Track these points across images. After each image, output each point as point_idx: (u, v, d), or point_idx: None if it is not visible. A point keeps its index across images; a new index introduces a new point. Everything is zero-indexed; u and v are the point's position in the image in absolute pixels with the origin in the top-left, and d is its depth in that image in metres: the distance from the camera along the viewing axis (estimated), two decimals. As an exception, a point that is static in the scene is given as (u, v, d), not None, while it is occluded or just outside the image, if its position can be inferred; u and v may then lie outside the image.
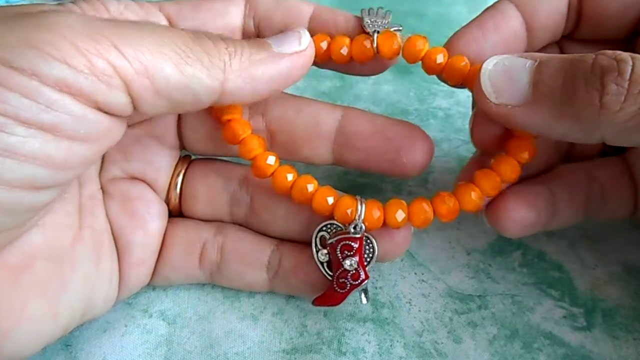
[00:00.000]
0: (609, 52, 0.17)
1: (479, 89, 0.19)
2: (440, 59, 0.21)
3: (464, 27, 0.22)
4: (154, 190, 0.24)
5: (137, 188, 0.23)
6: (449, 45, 0.22)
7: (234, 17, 0.22)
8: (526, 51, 0.22)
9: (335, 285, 0.21)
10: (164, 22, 0.22)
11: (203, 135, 0.24)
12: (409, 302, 0.24)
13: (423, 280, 0.25)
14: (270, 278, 0.23)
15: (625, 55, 0.16)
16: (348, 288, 0.21)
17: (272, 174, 0.22)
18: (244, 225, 0.24)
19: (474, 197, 0.21)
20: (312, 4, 0.23)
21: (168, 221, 0.24)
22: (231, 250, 0.23)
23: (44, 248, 0.19)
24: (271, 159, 0.22)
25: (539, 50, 0.23)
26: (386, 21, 0.22)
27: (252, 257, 0.23)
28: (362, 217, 0.21)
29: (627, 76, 0.16)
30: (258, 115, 0.23)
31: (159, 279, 0.24)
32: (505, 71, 0.18)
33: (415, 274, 0.25)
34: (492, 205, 0.22)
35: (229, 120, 0.22)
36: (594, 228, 0.26)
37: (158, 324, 0.24)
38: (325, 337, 0.23)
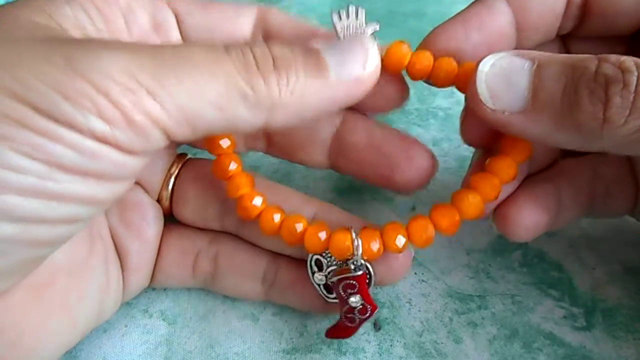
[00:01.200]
0: (613, 57, 0.16)
1: (474, 93, 0.18)
2: (426, 62, 0.20)
3: (446, 21, 0.20)
4: (148, 191, 0.23)
5: (132, 193, 0.23)
6: (427, 41, 0.20)
7: (244, 26, 0.22)
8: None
9: (344, 320, 0.21)
10: (172, 20, 0.21)
11: None
12: (409, 302, 0.24)
13: (423, 280, 0.25)
14: (265, 290, 0.23)
15: (630, 63, 0.16)
16: (357, 322, 0.21)
17: (258, 216, 0.21)
18: (235, 234, 0.24)
19: (473, 203, 0.20)
20: (324, 28, 0.21)
21: (164, 226, 0.24)
22: (226, 261, 0.23)
23: (65, 263, 0.19)
24: (258, 200, 0.21)
25: (537, 47, 0.21)
26: (359, 22, 0.20)
27: (247, 269, 0.23)
28: (360, 251, 0.20)
29: (633, 88, 0.15)
30: None
31: (156, 283, 0.24)
32: (502, 74, 0.17)
33: (415, 274, 0.25)
34: (500, 210, 0.21)
35: (220, 155, 0.21)
36: (594, 228, 0.26)
37: (158, 324, 0.24)
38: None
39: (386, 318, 0.23)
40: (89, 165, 0.15)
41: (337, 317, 0.21)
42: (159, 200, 0.24)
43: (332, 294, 0.21)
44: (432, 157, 0.22)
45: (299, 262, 0.22)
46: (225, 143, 0.22)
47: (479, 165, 0.21)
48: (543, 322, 0.23)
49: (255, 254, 0.23)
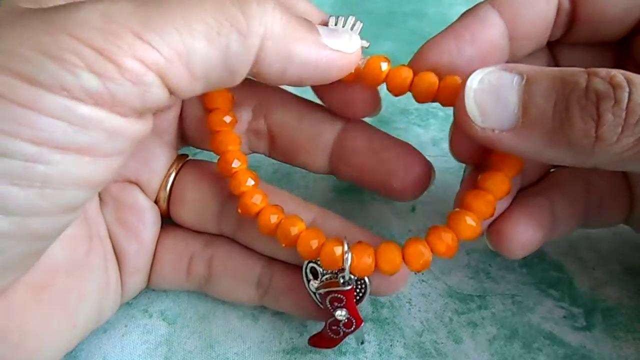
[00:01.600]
0: (603, 72, 0.16)
1: (462, 110, 0.17)
2: (405, 74, 0.19)
3: (438, 35, 0.20)
4: (146, 192, 0.23)
5: (130, 194, 0.23)
6: (418, 56, 0.20)
7: None
8: (508, 62, 0.20)
9: (328, 331, 0.21)
10: None
11: (204, 130, 0.23)
12: (409, 302, 0.24)
13: (423, 280, 0.25)
14: (260, 295, 0.23)
15: (620, 78, 0.15)
16: (341, 335, 0.21)
17: (257, 213, 0.21)
18: (232, 237, 0.23)
19: (470, 223, 0.19)
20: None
21: (161, 228, 0.24)
22: (220, 265, 0.23)
23: (64, 263, 0.19)
24: (257, 198, 0.21)
25: (526, 57, 0.21)
26: (354, 32, 0.20)
27: (241, 273, 0.23)
28: (349, 265, 0.19)
29: (624, 105, 0.15)
30: (260, 117, 0.23)
31: (153, 285, 0.24)
32: (491, 91, 0.17)
33: (415, 273, 0.25)
34: (495, 227, 0.21)
35: (225, 152, 0.21)
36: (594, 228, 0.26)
37: (158, 324, 0.24)
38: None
39: (386, 318, 0.24)
40: (81, 138, 0.14)
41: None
42: (156, 201, 0.23)
43: None
44: (429, 165, 0.22)
45: (294, 268, 0.22)
46: (227, 119, 0.22)
47: (471, 182, 0.20)
48: (543, 322, 0.23)
49: (250, 259, 0.23)
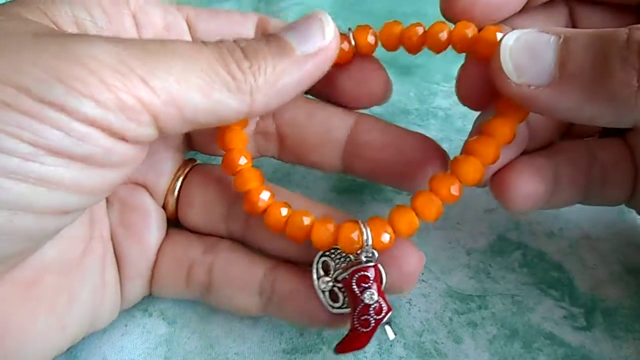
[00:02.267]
0: None
1: (497, 66, 0.17)
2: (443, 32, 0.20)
3: None
4: (154, 195, 0.23)
5: (137, 196, 0.23)
6: None
7: (249, 30, 0.22)
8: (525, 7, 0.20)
9: (357, 325, 0.19)
10: (183, 24, 0.22)
11: (212, 133, 0.23)
12: (409, 302, 0.24)
13: (423, 280, 0.25)
14: (264, 303, 0.22)
15: None
16: (373, 325, 0.19)
17: (265, 210, 0.20)
18: (241, 240, 0.23)
19: (472, 168, 0.19)
20: None
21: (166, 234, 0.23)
22: (220, 272, 0.22)
23: (55, 262, 0.19)
24: (265, 195, 0.20)
25: (544, 14, 0.21)
26: None
27: (243, 280, 0.22)
28: (370, 242, 0.19)
29: None
30: (269, 117, 0.23)
31: (154, 293, 0.23)
32: (527, 48, 0.17)
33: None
34: (497, 177, 0.21)
35: (231, 150, 0.21)
36: (594, 228, 0.26)
37: (158, 323, 0.24)
38: (325, 337, 0.23)
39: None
40: (76, 148, 0.15)
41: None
42: (165, 206, 0.23)
43: (337, 302, 0.20)
44: (446, 154, 0.22)
45: (298, 272, 0.21)
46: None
47: (477, 131, 0.20)
48: (543, 322, 0.23)
49: (252, 264, 0.22)
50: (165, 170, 0.23)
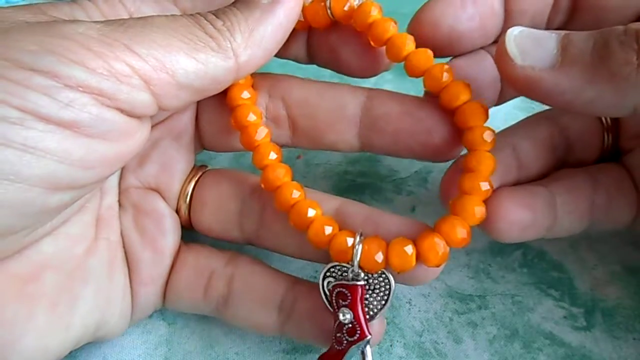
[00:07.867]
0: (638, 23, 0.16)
1: (502, 53, 0.18)
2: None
3: None
4: (167, 199, 0.23)
5: (150, 200, 0.22)
6: (426, 6, 0.21)
7: None
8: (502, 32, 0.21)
9: (334, 340, 0.19)
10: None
11: (222, 129, 0.23)
12: (409, 302, 0.24)
13: (423, 280, 0.25)
14: (282, 320, 0.21)
15: None
16: (345, 345, 0.18)
17: (278, 187, 0.20)
18: (255, 240, 0.23)
19: (474, 208, 0.19)
20: None
21: (182, 244, 0.23)
22: (241, 283, 0.22)
23: (55, 259, 0.19)
24: (281, 172, 0.20)
25: None
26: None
27: (263, 294, 0.21)
28: (358, 258, 0.18)
29: None
30: (278, 99, 0.22)
31: (168, 303, 0.23)
32: (531, 36, 0.18)
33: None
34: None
35: (246, 126, 0.21)
36: (594, 228, 0.26)
37: (158, 324, 0.24)
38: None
39: (386, 318, 0.23)
40: (63, 113, 0.15)
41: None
42: (177, 211, 0.23)
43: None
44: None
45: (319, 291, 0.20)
46: (246, 95, 0.22)
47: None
48: (543, 322, 0.23)
49: (273, 280, 0.22)
50: (177, 171, 0.23)
